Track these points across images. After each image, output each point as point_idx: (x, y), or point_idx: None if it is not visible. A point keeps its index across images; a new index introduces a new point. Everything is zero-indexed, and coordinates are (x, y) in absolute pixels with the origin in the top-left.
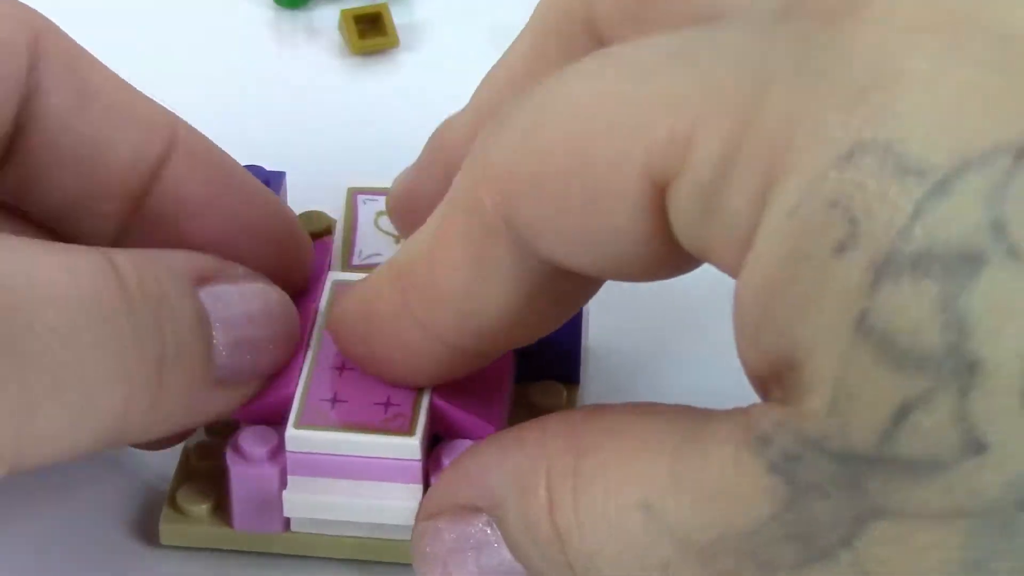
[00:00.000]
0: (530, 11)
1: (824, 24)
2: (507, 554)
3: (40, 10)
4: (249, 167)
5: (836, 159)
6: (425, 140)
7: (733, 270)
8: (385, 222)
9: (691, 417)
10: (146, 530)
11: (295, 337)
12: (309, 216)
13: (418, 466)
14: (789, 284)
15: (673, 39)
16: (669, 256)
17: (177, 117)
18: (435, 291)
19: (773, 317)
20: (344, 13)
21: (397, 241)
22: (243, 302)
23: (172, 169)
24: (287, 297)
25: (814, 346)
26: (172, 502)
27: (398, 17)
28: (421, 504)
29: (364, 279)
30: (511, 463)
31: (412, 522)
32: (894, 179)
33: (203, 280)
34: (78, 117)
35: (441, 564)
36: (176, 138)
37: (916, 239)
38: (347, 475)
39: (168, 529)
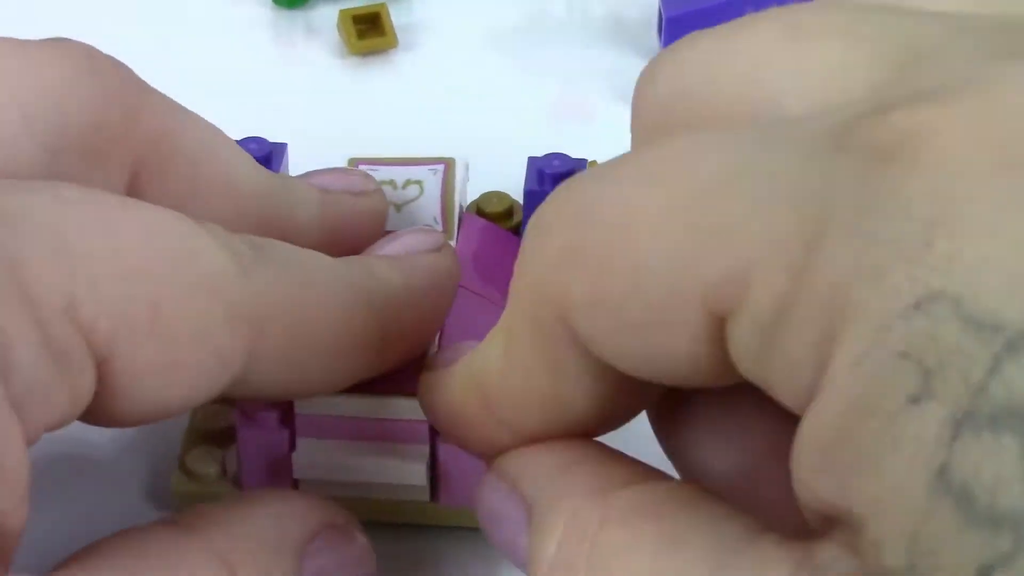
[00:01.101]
0: (527, 12)
1: (881, 164)
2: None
3: (41, 11)
4: (251, 139)
5: (903, 309)
6: (423, 139)
7: (794, 409)
8: (390, 192)
9: (740, 522)
10: (160, 500)
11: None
12: None
13: (425, 427)
14: (854, 436)
15: (729, 151)
16: (732, 374)
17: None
18: (518, 399)
19: (835, 469)
20: (343, 13)
21: (399, 210)
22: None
23: None
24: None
25: (884, 500)
26: (183, 465)
27: (397, 17)
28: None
29: (446, 380)
30: (543, 496)
31: (421, 482)
32: (968, 331)
33: (308, 541)
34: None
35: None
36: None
37: (996, 394)
38: (355, 437)
39: (179, 492)
